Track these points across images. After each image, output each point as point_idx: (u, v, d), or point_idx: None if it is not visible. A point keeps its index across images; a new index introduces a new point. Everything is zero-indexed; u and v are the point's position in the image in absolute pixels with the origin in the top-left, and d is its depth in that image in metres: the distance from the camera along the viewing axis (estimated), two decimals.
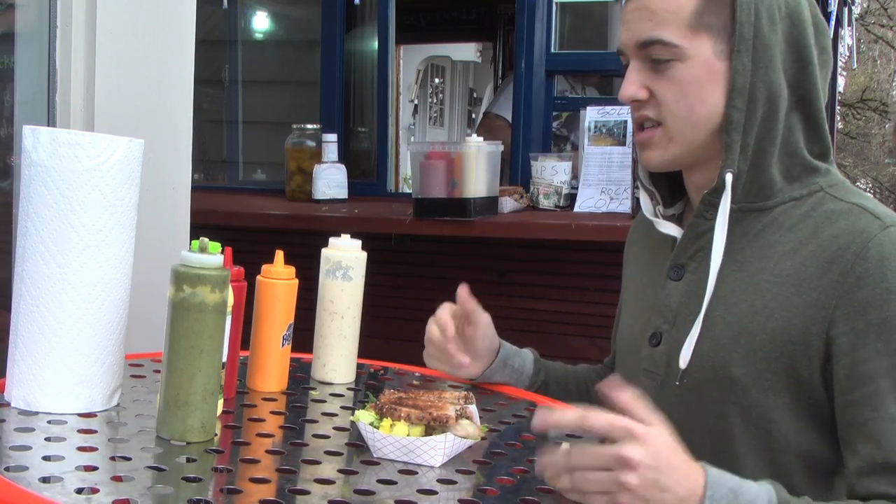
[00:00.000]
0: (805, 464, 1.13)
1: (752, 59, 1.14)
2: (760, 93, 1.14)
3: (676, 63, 1.16)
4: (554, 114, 2.96)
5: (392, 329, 2.65)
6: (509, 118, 3.27)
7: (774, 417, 1.13)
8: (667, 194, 1.30)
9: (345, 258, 1.37)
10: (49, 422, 1.08)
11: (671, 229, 1.26)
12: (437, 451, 1.04)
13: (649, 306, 1.26)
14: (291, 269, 1.32)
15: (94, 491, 0.88)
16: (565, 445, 0.98)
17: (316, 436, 1.15)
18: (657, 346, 1.23)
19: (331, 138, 2.96)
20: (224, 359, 1.12)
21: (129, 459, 0.98)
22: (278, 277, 1.31)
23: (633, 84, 1.19)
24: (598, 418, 0.96)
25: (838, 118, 10.37)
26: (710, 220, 1.18)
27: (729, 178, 1.15)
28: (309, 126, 3.13)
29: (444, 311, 1.36)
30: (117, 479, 0.92)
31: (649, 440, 0.94)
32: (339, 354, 1.39)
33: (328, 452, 1.08)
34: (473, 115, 7.77)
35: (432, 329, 1.36)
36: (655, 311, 1.24)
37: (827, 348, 1.09)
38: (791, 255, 1.14)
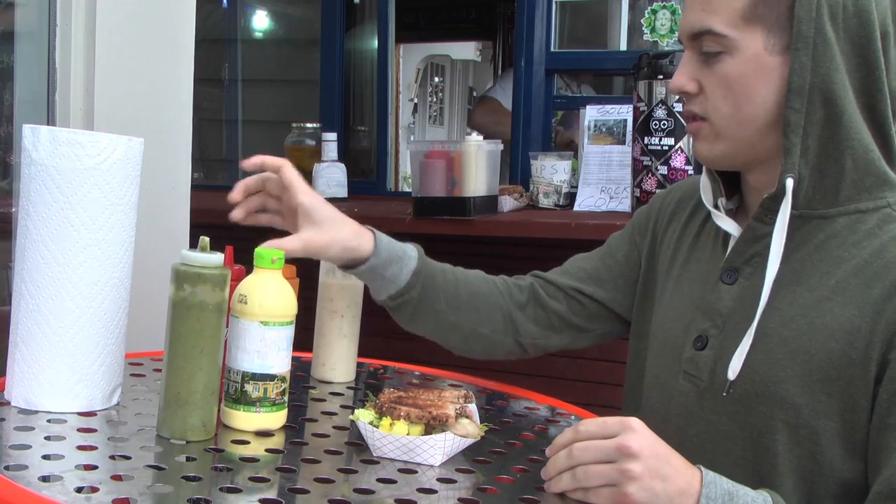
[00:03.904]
0: (843, 492, 1.07)
1: (811, 57, 1.06)
2: (819, 93, 1.07)
3: (726, 56, 1.10)
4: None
5: (391, 328, 2.64)
6: (503, 103, 3.27)
7: (822, 441, 1.06)
8: (725, 184, 1.22)
9: None
10: (49, 420, 1.08)
11: (730, 226, 1.18)
12: (436, 450, 1.04)
13: (695, 305, 1.19)
14: (292, 268, 1.32)
15: (94, 490, 0.88)
16: (566, 436, 0.99)
17: (315, 435, 1.15)
18: (702, 350, 1.15)
19: (330, 137, 2.96)
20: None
21: (128, 458, 0.98)
22: None
23: (682, 75, 1.14)
24: (591, 422, 0.99)
25: None
26: (769, 225, 1.11)
27: (790, 183, 1.08)
28: (308, 125, 3.13)
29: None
30: (117, 478, 0.92)
31: (645, 432, 0.97)
32: (338, 353, 1.40)
33: (328, 451, 1.08)
34: None
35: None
36: (703, 312, 1.17)
37: (879, 371, 1.03)
38: (856, 274, 1.07)
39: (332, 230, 1.26)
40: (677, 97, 2.22)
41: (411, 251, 1.32)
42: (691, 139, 1.19)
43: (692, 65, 1.14)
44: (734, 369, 1.10)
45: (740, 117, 1.11)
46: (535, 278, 1.41)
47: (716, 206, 1.21)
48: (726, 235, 1.20)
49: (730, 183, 1.22)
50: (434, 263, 1.35)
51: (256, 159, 1.28)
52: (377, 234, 1.29)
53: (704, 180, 1.22)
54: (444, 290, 1.33)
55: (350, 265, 1.28)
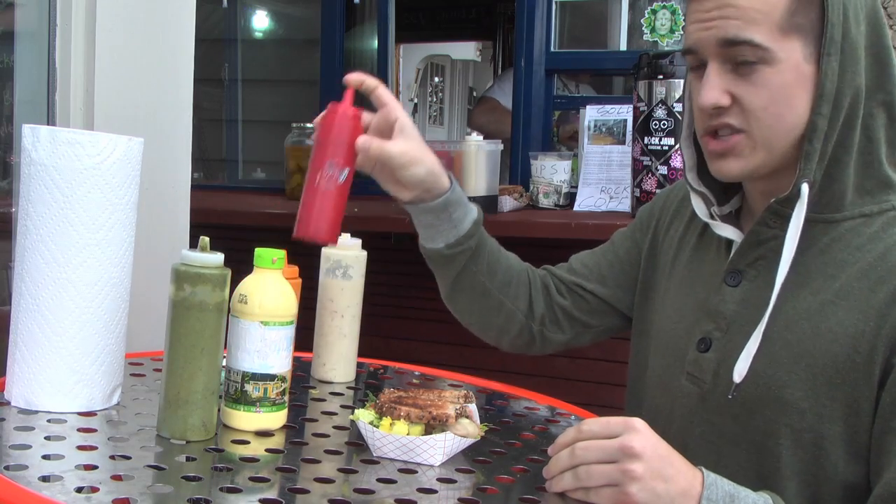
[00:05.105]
0: (847, 495, 1.07)
1: (840, 62, 1.06)
2: (845, 98, 1.07)
3: (763, 67, 1.07)
4: None
5: (392, 328, 2.65)
6: (502, 102, 3.27)
7: (825, 445, 1.06)
8: (718, 190, 1.21)
9: (345, 257, 1.37)
10: (49, 420, 1.08)
11: (730, 232, 1.18)
12: (436, 449, 1.04)
13: (698, 307, 1.19)
14: (295, 269, 1.32)
15: (94, 490, 0.88)
16: (569, 435, 0.99)
17: (316, 435, 1.15)
18: (705, 353, 1.15)
19: None
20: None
21: (128, 458, 0.98)
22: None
23: (714, 89, 1.09)
24: (593, 422, 0.99)
25: None
26: (774, 229, 1.11)
27: (805, 188, 1.07)
28: (309, 125, 3.13)
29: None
30: (117, 477, 0.92)
31: (648, 432, 0.97)
32: (338, 353, 1.40)
33: (328, 451, 1.08)
34: None
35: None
36: (706, 314, 1.17)
37: (883, 375, 1.03)
38: (860, 278, 1.07)
39: (424, 148, 1.22)
40: (678, 98, 2.22)
41: (473, 204, 1.31)
42: (713, 160, 1.13)
43: (722, 77, 1.09)
44: (740, 371, 1.09)
45: (781, 127, 1.09)
46: (546, 272, 1.43)
47: (711, 216, 1.20)
48: (729, 238, 1.20)
49: (723, 188, 1.21)
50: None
51: (357, 75, 1.21)
52: (450, 175, 1.28)
53: (693, 196, 1.21)
54: (490, 252, 1.34)
55: (419, 199, 1.24)
